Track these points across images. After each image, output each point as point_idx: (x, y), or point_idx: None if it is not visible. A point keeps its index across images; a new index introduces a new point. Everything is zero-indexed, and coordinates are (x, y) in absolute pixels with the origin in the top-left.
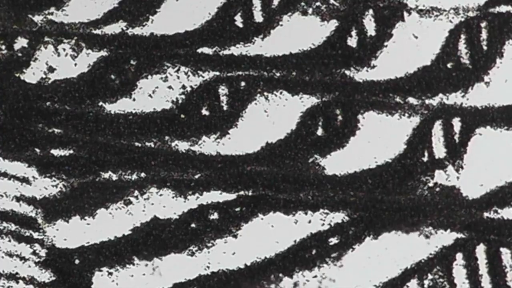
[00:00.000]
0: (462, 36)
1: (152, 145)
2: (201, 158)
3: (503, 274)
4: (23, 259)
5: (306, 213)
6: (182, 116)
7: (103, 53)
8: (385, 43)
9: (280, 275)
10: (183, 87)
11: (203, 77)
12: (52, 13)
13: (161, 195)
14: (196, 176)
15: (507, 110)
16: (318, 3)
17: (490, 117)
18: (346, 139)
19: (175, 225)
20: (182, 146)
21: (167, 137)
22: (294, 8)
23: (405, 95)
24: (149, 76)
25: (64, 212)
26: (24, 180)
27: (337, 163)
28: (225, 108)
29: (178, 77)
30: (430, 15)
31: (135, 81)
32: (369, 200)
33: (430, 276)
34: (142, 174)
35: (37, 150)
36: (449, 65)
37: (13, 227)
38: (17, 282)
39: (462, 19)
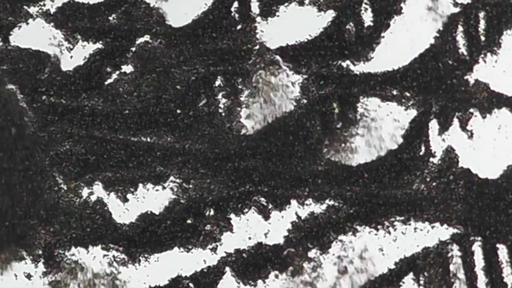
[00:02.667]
0: (460, 27)
1: (149, 140)
2: (197, 154)
3: (500, 270)
4: None
5: (303, 208)
6: (178, 111)
7: (99, 45)
8: (382, 34)
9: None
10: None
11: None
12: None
13: (157, 190)
14: (192, 172)
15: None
16: None
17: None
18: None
19: (171, 221)
20: (178, 141)
21: (163, 132)
22: None
23: (402, 87)
24: None
25: None
26: None
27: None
28: (222, 101)
29: None
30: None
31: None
32: (365, 194)
33: (426, 272)
34: (138, 171)
35: None
36: (446, 57)
37: None
38: None
39: (460, 9)
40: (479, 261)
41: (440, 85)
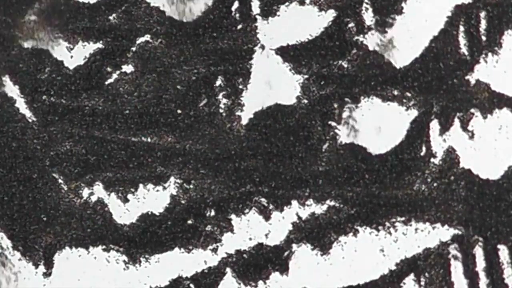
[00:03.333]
0: (461, 27)
1: (149, 140)
2: (197, 154)
3: (500, 271)
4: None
5: (303, 209)
6: (179, 111)
7: (99, 45)
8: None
9: None
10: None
11: (201, 70)
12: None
13: (157, 191)
14: (193, 172)
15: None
16: None
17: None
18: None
19: (172, 222)
20: (178, 141)
21: (163, 132)
22: None
23: (403, 87)
24: None
25: None
26: None
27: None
28: (222, 101)
29: None
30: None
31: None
32: (366, 195)
33: (426, 273)
34: (139, 171)
35: None
36: (447, 57)
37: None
38: None
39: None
40: (480, 262)
41: (441, 85)
